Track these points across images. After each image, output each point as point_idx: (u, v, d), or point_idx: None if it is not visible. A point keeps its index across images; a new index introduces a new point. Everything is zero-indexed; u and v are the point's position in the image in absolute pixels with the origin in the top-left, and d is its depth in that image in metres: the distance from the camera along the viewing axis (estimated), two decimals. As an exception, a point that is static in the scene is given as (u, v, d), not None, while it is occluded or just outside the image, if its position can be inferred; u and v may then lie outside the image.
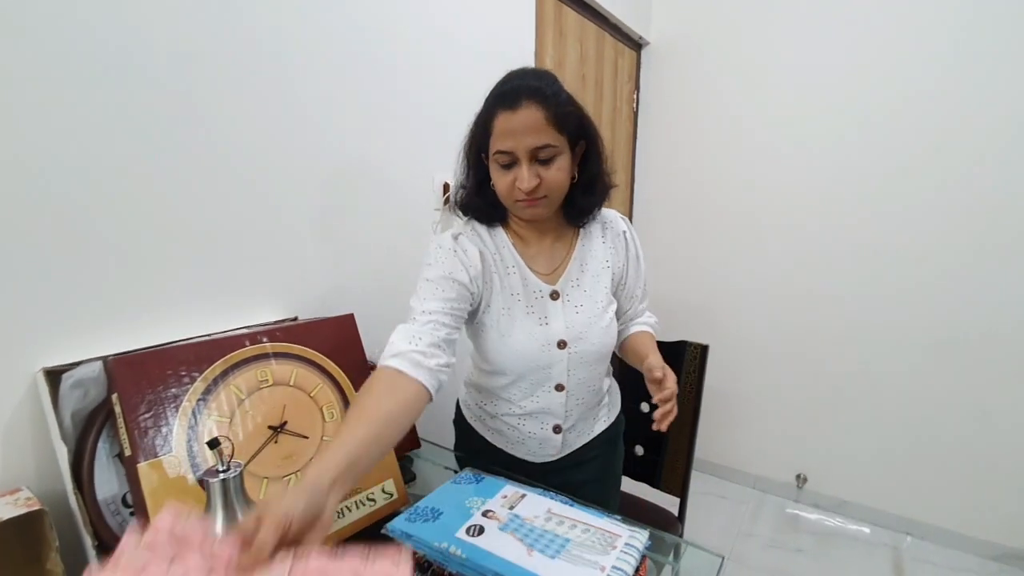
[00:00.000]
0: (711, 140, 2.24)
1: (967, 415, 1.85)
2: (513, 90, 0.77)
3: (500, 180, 0.81)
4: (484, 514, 0.72)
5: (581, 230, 0.94)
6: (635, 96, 2.36)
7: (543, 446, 0.97)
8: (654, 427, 0.77)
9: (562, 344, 0.88)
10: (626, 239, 0.96)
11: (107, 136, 0.73)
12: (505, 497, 0.77)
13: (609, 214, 0.97)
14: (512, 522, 0.71)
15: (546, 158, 0.78)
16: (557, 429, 0.95)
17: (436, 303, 0.80)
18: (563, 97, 0.79)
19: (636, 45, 2.30)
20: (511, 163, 0.79)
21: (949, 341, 1.86)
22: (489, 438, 1.02)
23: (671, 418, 0.77)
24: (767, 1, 2.04)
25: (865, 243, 1.96)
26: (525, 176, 0.77)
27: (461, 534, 0.68)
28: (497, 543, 0.66)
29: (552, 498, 0.78)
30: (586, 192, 0.87)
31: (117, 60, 0.73)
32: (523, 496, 0.78)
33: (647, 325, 1.03)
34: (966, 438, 1.86)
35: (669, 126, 2.34)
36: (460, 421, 1.10)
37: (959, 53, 1.73)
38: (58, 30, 0.67)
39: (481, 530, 0.69)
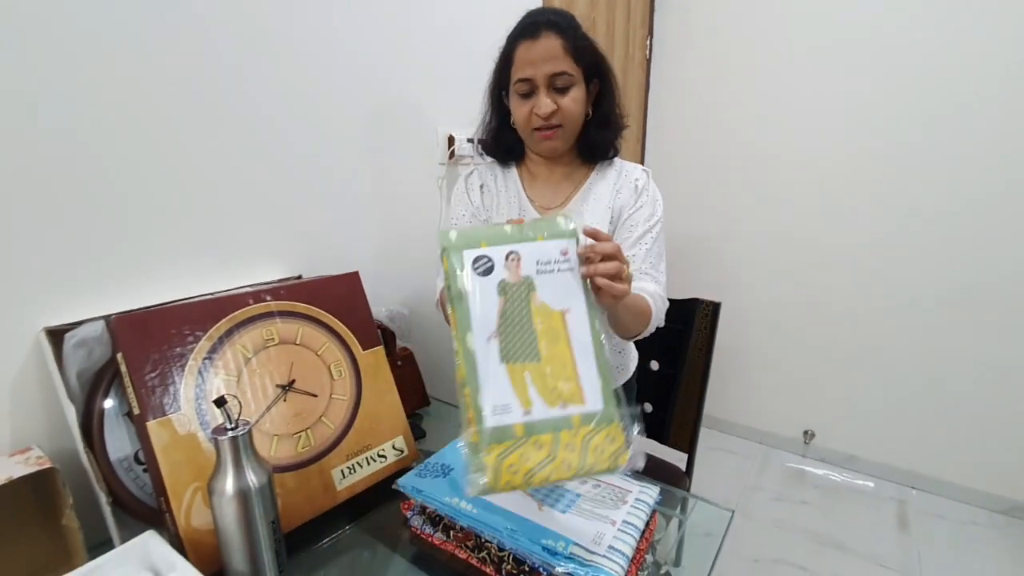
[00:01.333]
0: (727, 89, 2.14)
1: (975, 370, 1.83)
2: (533, 23, 0.84)
3: (520, 110, 0.87)
4: None
5: (595, 172, 0.97)
6: (648, 42, 2.24)
7: None
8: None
9: None
10: (636, 186, 0.95)
11: (107, 86, 0.70)
12: None
13: (630, 166, 0.98)
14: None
15: (563, 86, 0.84)
16: None
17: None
18: (580, 32, 0.86)
19: (650, -13, 2.17)
20: (530, 91, 0.85)
21: (959, 296, 1.82)
22: None
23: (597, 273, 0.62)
24: (792, -65, 1.91)
25: (879, 201, 1.91)
26: (543, 102, 0.84)
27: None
28: (507, 498, 0.65)
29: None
30: (600, 127, 0.92)
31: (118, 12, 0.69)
32: None
33: (642, 290, 0.89)
34: (974, 392, 1.85)
35: (683, 73, 2.23)
36: None
37: (993, 17, 1.61)
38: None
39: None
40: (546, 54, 0.82)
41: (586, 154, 0.95)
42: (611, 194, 0.94)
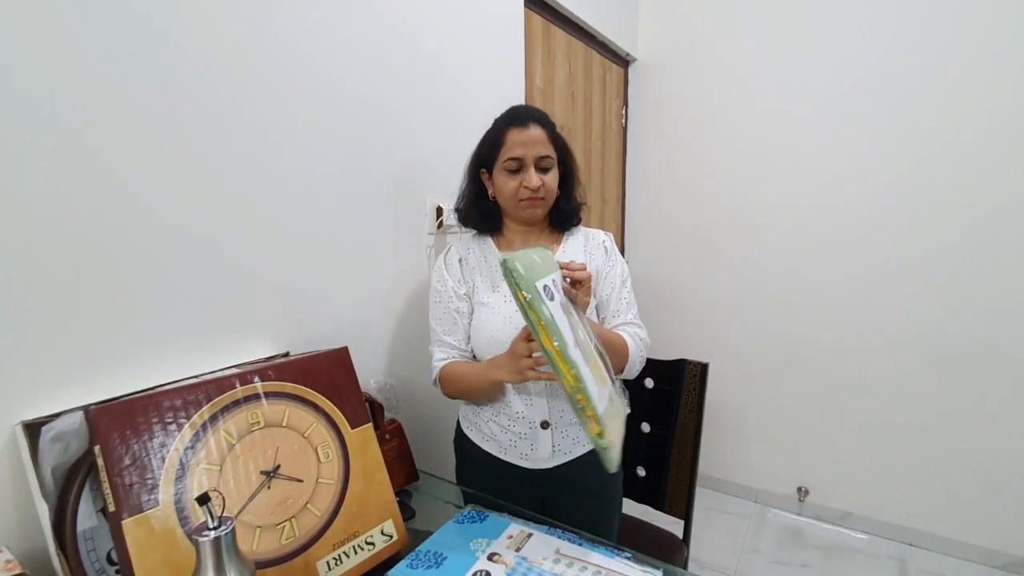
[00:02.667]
0: (701, 153, 2.25)
1: (966, 423, 1.85)
2: (523, 115, 1.00)
3: (507, 184, 0.99)
4: (490, 557, 0.69)
5: (565, 238, 1.09)
6: (624, 111, 2.37)
7: (535, 448, 1.01)
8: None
9: None
10: (605, 248, 1.09)
11: (83, 170, 0.71)
12: (511, 537, 0.75)
13: (593, 231, 1.12)
14: (519, 566, 0.68)
15: (546, 167, 1.00)
16: (545, 425, 1.00)
17: (449, 324, 1.04)
18: (556, 127, 1.04)
19: (624, 62, 2.32)
20: (519, 168, 0.98)
21: (946, 349, 1.86)
22: (485, 447, 1.06)
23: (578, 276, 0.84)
24: (752, 17, 2.07)
25: (858, 254, 1.97)
26: (533, 177, 0.97)
27: None
28: None
29: (560, 537, 0.75)
30: (567, 201, 1.08)
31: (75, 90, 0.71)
32: (530, 536, 0.75)
33: (628, 335, 1.03)
34: (966, 446, 1.85)
35: (658, 140, 2.35)
36: (459, 437, 1.13)
37: (953, 53, 1.76)
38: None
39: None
40: (535, 139, 0.98)
41: (556, 223, 1.09)
42: (584, 255, 1.07)
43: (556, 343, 0.64)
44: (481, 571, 0.67)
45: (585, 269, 0.85)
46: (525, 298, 0.66)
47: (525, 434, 1.02)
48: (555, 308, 0.68)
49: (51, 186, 0.68)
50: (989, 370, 1.80)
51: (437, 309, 1.05)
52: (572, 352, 0.65)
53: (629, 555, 0.72)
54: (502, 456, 1.05)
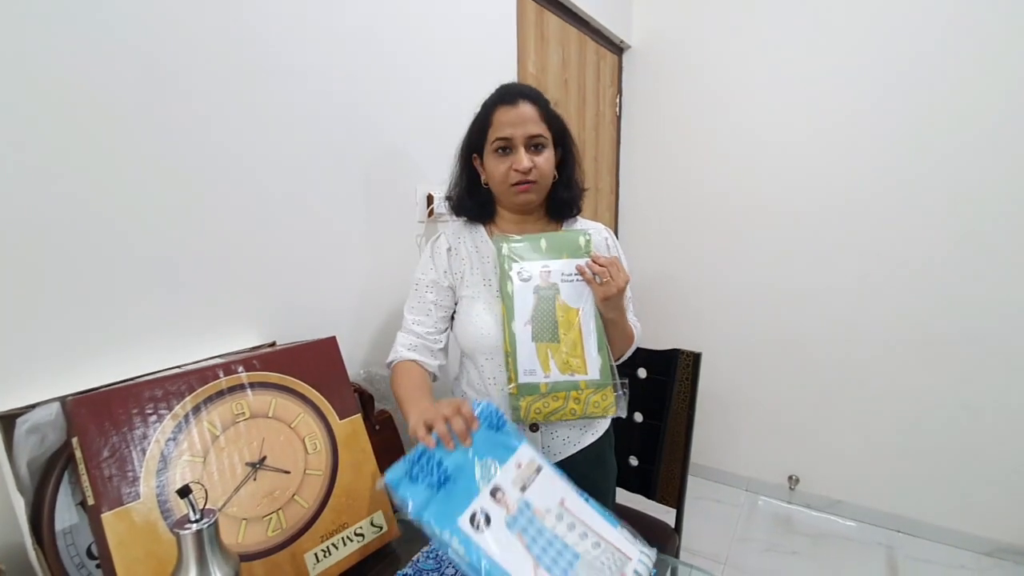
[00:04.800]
0: (695, 142, 2.24)
1: (955, 411, 1.86)
2: (511, 92, 0.94)
3: (498, 167, 0.93)
4: (492, 493, 0.65)
5: (563, 229, 1.03)
6: (618, 100, 2.34)
7: None
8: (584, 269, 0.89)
9: None
10: (607, 244, 1.04)
11: (62, 155, 0.68)
12: (519, 467, 0.70)
13: (592, 223, 1.06)
14: (522, 515, 0.65)
15: (537, 146, 0.93)
16: (534, 428, 0.97)
17: (423, 315, 0.99)
18: (550, 105, 0.97)
19: (618, 49, 2.29)
20: (508, 148, 0.92)
21: (935, 339, 1.87)
22: None
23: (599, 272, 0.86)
24: (747, 4, 2.05)
25: (850, 243, 1.97)
26: (523, 158, 0.91)
27: (464, 522, 0.61)
28: (502, 548, 0.61)
29: (566, 482, 0.72)
30: (566, 188, 1.01)
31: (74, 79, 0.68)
32: (538, 470, 0.71)
33: (631, 322, 1.01)
34: (955, 434, 1.87)
35: (652, 129, 2.33)
36: None
37: (943, 50, 1.75)
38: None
39: (488, 520, 0.63)
40: (525, 117, 0.91)
41: (554, 212, 1.03)
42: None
43: (507, 315, 0.84)
44: (481, 511, 0.63)
45: (604, 266, 0.86)
46: (500, 272, 0.85)
47: None
48: (522, 288, 0.85)
49: (26, 175, 0.65)
50: (977, 360, 1.81)
51: (413, 298, 1.00)
52: (515, 325, 0.84)
53: (628, 528, 0.71)
54: None
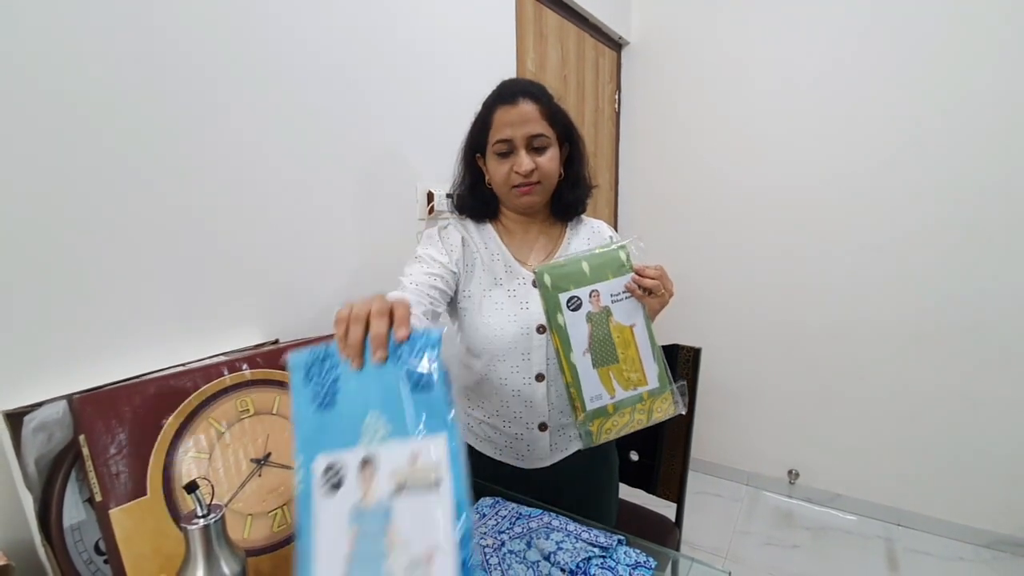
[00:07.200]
0: (694, 138, 2.24)
1: (954, 405, 1.87)
2: (510, 90, 0.89)
3: (499, 169, 0.90)
4: (363, 462, 0.48)
5: (568, 229, 1.01)
6: (617, 96, 2.34)
7: (532, 449, 0.97)
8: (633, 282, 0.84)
9: (541, 329, 0.91)
10: (611, 243, 1.00)
11: (67, 153, 0.69)
12: (415, 460, 0.48)
13: (597, 223, 1.05)
14: (371, 519, 0.47)
15: (540, 146, 0.89)
16: (543, 427, 0.95)
17: (422, 276, 0.89)
18: (553, 100, 0.92)
19: (616, 45, 2.29)
20: (509, 151, 0.89)
21: (934, 332, 1.87)
22: (479, 447, 1.02)
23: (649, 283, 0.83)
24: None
25: (850, 238, 1.98)
26: (524, 160, 0.87)
27: (319, 465, 0.48)
28: (327, 532, 0.46)
29: (457, 531, 0.46)
30: (573, 188, 0.98)
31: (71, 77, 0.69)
32: (435, 484, 0.47)
33: None
34: (954, 427, 1.88)
35: (651, 125, 2.33)
36: None
37: (944, 45, 1.75)
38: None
39: (338, 485, 0.48)
40: (524, 117, 0.87)
41: (559, 212, 1.00)
42: (587, 248, 0.97)
43: (563, 347, 0.80)
44: (340, 469, 0.48)
45: (656, 278, 0.83)
46: (547, 305, 0.80)
47: (521, 435, 0.96)
48: (573, 317, 0.81)
49: (31, 175, 0.65)
50: (976, 354, 1.82)
51: (414, 267, 0.90)
52: (573, 357, 0.80)
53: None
54: (496, 456, 1.00)
